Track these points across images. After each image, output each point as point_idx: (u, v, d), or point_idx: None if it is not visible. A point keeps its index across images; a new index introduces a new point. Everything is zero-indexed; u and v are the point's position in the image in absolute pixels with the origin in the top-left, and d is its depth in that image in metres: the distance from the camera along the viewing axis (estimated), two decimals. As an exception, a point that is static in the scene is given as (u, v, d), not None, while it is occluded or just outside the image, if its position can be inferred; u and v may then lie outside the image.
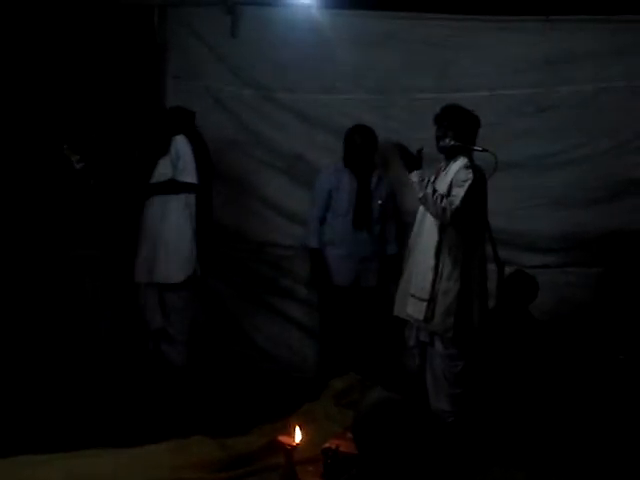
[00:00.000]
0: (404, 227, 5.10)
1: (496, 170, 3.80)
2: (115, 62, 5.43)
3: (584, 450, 3.91)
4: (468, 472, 3.56)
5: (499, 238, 3.99)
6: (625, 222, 4.88)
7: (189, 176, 5.06)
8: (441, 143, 4.17)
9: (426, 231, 4.20)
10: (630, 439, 3.98)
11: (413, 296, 4.20)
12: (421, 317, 4.13)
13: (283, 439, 3.28)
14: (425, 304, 4.11)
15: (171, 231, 5.09)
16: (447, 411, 4.14)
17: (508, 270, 4.35)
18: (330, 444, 3.41)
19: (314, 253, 5.22)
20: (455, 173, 4.09)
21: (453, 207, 3.96)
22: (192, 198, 5.13)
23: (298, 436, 3.26)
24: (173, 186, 5.06)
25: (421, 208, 4.27)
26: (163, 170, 5.07)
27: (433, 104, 4.41)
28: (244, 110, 5.63)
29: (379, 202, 5.14)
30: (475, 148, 4.07)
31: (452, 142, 4.12)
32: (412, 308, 4.20)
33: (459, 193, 4.00)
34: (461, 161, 4.12)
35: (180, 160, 5.04)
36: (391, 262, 5.18)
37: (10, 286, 4.93)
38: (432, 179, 4.17)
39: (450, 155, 4.19)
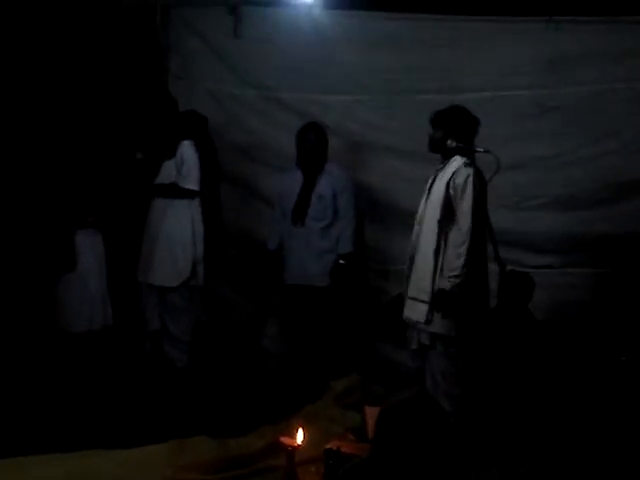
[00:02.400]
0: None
1: (498, 171, 3.79)
2: (117, 63, 5.43)
3: (584, 450, 3.89)
4: (468, 472, 3.54)
5: (502, 239, 3.98)
6: (628, 223, 4.88)
7: (191, 183, 5.06)
8: (447, 144, 4.15)
9: (425, 233, 4.19)
10: (631, 438, 3.97)
11: (413, 299, 4.18)
12: (422, 319, 4.10)
13: (284, 440, 3.28)
14: (427, 306, 4.07)
15: (170, 235, 5.08)
16: (447, 412, 4.13)
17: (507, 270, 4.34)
18: (332, 445, 3.40)
19: (267, 254, 5.27)
20: (453, 172, 4.07)
21: (465, 231, 3.98)
22: (195, 203, 5.12)
23: (300, 437, 3.25)
24: (174, 190, 5.06)
25: (420, 210, 4.27)
26: (167, 172, 5.07)
27: (435, 105, 4.39)
28: (246, 111, 5.64)
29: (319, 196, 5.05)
30: (477, 149, 4.06)
31: (454, 143, 4.11)
32: (412, 310, 4.18)
33: (464, 210, 3.99)
34: (459, 160, 4.10)
35: (184, 166, 5.04)
36: (344, 261, 5.03)
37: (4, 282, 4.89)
38: (430, 182, 4.19)
39: (447, 155, 4.17)
